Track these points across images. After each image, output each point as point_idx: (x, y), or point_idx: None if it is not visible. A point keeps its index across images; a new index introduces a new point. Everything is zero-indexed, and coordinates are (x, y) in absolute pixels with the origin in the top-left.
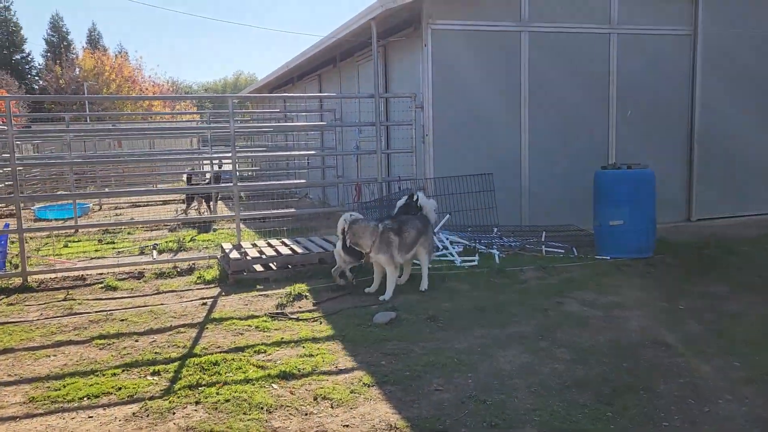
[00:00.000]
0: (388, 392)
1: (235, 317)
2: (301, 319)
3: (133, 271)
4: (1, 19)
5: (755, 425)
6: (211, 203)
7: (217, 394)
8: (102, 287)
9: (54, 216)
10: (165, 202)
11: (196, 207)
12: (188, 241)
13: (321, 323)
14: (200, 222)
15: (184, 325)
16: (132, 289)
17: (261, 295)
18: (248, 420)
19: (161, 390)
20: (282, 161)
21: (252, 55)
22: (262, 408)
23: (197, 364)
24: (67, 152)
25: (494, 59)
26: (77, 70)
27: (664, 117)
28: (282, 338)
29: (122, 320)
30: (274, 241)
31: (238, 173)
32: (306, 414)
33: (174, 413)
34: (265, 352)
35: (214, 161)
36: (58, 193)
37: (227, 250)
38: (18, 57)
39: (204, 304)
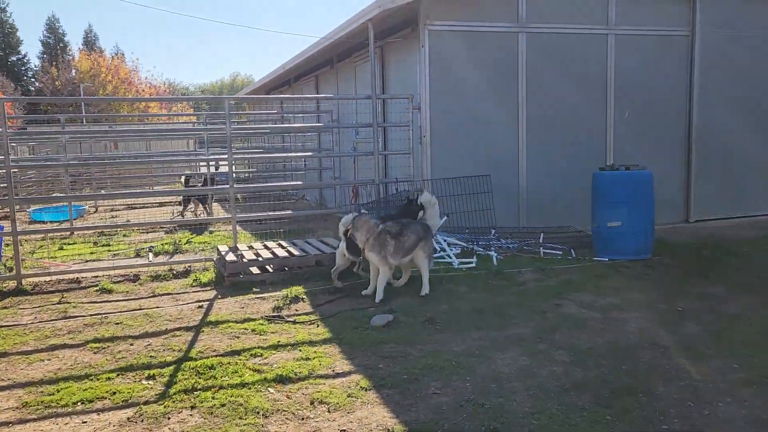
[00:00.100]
0: (386, 396)
1: (231, 320)
2: (297, 322)
3: (129, 274)
4: None
5: (755, 428)
6: (206, 205)
7: (213, 398)
8: (97, 290)
9: (49, 218)
10: (161, 204)
11: (192, 209)
12: (184, 244)
13: (318, 326)
14: (195, 224)
15: (179, 329)
16: (127, 291)
17: (257, 297)
18: (244, 425)
19: (156, 394)
20: (279, 163)
21: (249, 57)
22: (258, 412)
23: (193, 368)
24: (63, 154)
25: (492, 60)
26: (73, 71)
27: (662, 117)
28: (278, 341)
29: (117, 323)
30: (270, 243)
31: (234, 175)
32: (302, 418)
33: (169, 418)
34: (261, 355)
35: (210, 163)
36: (54, 195)
37: (223, 253)
38: (14, 59)
39: (200, 306)
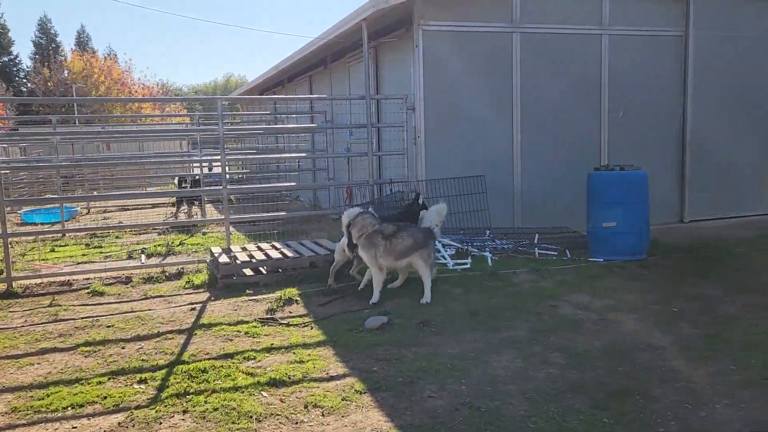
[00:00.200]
0: (381, 399)
1: (224, 323)
2: (291, 325)
3: (121, 276)
4: None
5: (753, 430)
6: (193, 206)
7: (206, 402)
8: (88, 293)
9: (41, 220)
10: (154, 206)
11: (185, 210)
12: (177, 245)
13: (312, 328)
14: (183, 225)
15: (172, 331)
16: (119, 294)
17: (251, 299)
18: (237, 429)
19: (148, 399)
20: (272, 164)
21: (242, 57)
22: (251, 417)
23: (185, 372)
24: (55, 155)
25: (486, 60)
26: (66, 72)
27: (656, 117)
28: (272, 344)
29: (109, 326)
30: (264, 245)
31: (228, 176)
32: (296, 423)
33: (161, 423)
34: (254, 358)
35: (203, 164)
36: (46, 196)
37: (216, 254)
38: (5, 59)
39: (193, 309)
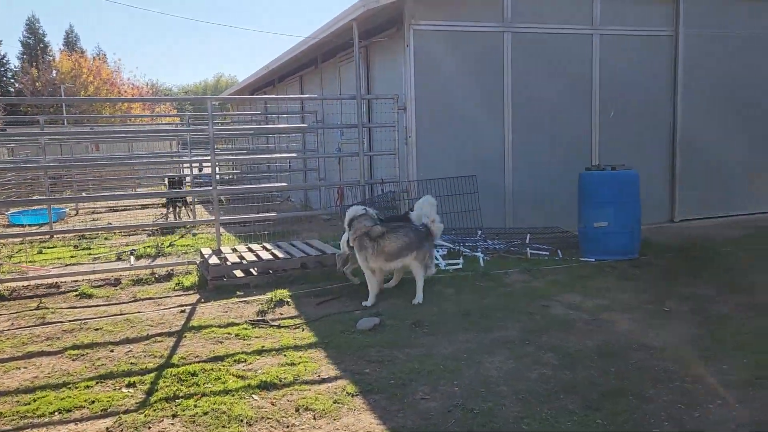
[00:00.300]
0: (373, 401)
1: (214, 325)
2: (282, 326)
3: (110, 278)
4: None
5: (747, 430)
6: (180, 206)
7: (195, 406)
8: (77, 295)
9: (28, 221)
10: (144, 207)
11: (174, 212)
12: (167, 247)
13: (303, 330)
14: (173, 226)
15: (161, 334)
16: (108, 296)
17: (241, 301)
18: None
19: (137, 403)
20: (263, 164)
21: (233, 57)
22: (241, 420)
23: (175, 375)
24: (42, 156)
25: (477, 60)
26: (54, 72)
27: (647, 117)
28: (263, 346)
29: (97, 329)
30: (254, 246)
31: (218, 176)
32: (287, 426)
33: (150, 427)
34: (245, 361)
35: (193, 164)
36: (33, 197)
37: (206, 256)
38: None
39: (182, 311)
